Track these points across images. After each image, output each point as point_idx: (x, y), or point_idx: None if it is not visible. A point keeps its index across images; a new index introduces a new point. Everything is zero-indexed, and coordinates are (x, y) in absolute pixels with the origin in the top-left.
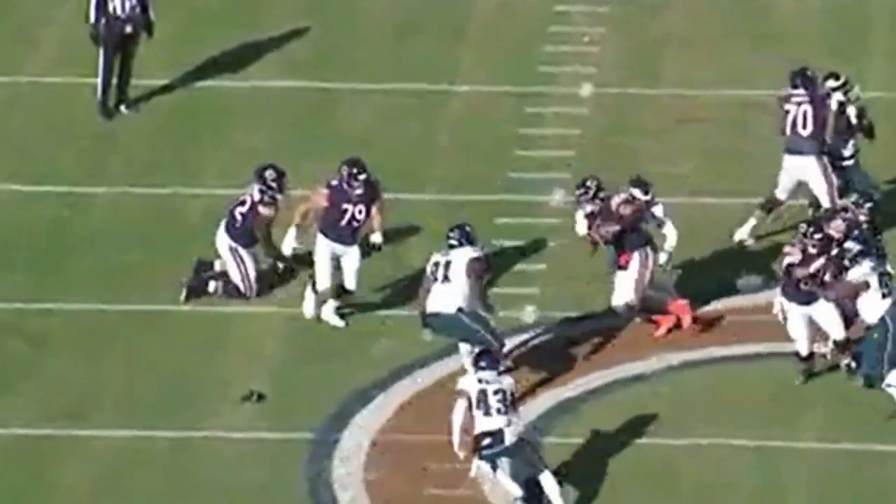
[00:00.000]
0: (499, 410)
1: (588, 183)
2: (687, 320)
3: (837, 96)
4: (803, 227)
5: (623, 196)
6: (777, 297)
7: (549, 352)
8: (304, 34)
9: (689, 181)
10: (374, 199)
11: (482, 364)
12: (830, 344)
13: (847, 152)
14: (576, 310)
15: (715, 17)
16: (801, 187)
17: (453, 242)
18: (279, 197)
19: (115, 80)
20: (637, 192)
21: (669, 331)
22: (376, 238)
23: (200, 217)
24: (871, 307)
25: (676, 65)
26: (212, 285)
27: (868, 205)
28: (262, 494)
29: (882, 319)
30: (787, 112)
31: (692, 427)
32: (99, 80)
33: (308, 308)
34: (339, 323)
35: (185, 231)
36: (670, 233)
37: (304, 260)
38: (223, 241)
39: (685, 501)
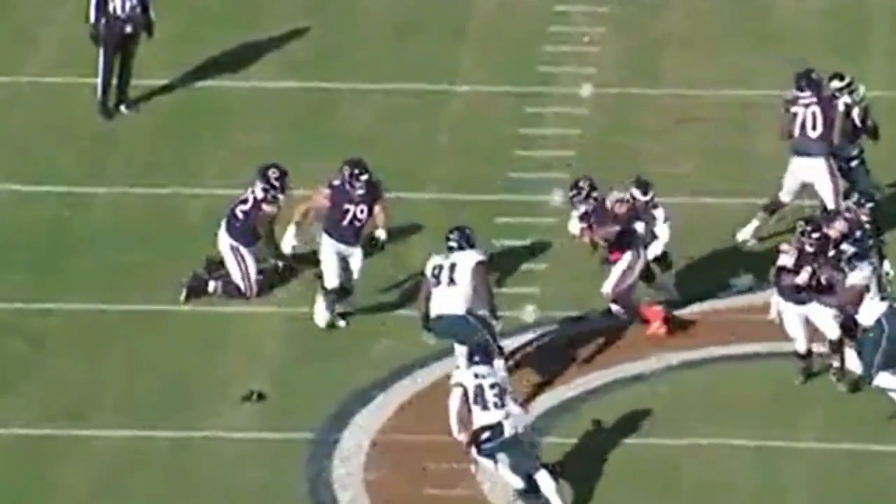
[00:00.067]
0: (496, 404)
1: (581, 183)
2: (655, 326)
3: (844, 98)
4: (801, 225)
5: (617, 195)
6: (773, 298)
7: (549, 352)
8: (304, 34)
9: (689, 181)
10: (375, 199)
11: (476, 358)
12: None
13: (852, 153)
14: (576, 310)
15: (715, 17)
16: (804, 189)
17: (453, 244)
18: (281, 196)
19: (115, 80)
20: (637, 193)
21: (668, 330)
22: (380, 234)
23: (200, 217)
24: (868, 309)
25: (676, 65)
26: (212, 285)
27: (869, 205)
28: (262, 494)
29: (878, 321)
30: (795, 114)
31: (692, 427)
32: (99, 81)
33: (320, 318)
34: (340, 323)
35: (185, 231)
36: (662, 234)
37: (305, 259)
38: (224, 240)
39: (685, 501)
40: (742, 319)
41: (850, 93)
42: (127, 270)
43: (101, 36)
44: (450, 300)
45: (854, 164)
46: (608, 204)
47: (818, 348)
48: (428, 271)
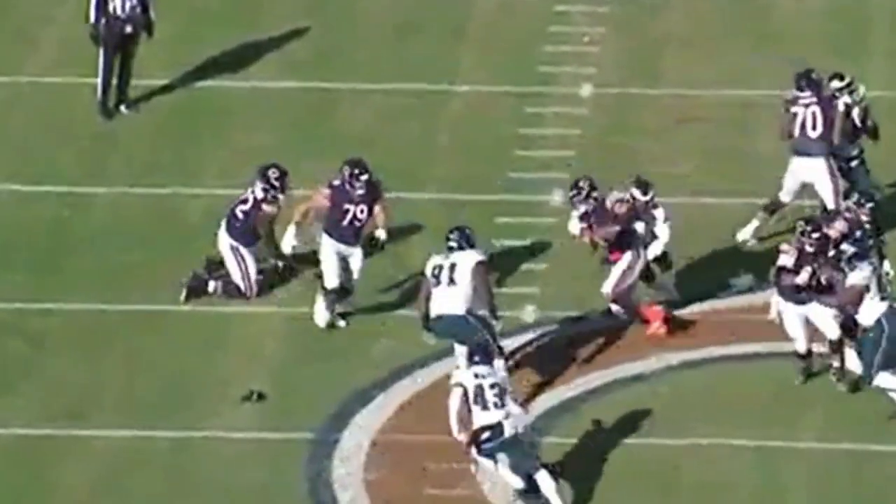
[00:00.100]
0: (496, 404)
1: (581, 183)
2: (655, 326)
3: (844, 98)
4: (801, 225)
5: (617, 195)
6: (773, 298)
7: (549, 352)
8: (304, 34)
9: (689, 181)
10: (375, 200)
11: (476, 358)
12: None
13: (852, 153)
14: (576, 310)
15: (715, 17)
16: (804, 189)
17: (453, 245)
18: (281, 196)
19: (115, 80)
20: (637, 193)
21: (668, 330)
22: (380, 233)
23: (200, 217)
24: (868, 309)
25: (676, 65)
26: (212, 285)
27: (869, 205)
28: (262, 494)
29: (878, 321)
30: (795, 114)
31: (692, 427)
32: (99, 81)
33: (320, 318)
34: (340, 323)
35: (185, 231)
36: (662, 234)
37: (306, 259)
38: (224, 240)
39: (685, 501)
40: (742, 319)
41: (850, 93)
42: (127, 270)
43: (101, 36)
44: (450, 300)
45: (854, 164)
46: (608, 204)
47: (818, 348)
48: (428, 271)
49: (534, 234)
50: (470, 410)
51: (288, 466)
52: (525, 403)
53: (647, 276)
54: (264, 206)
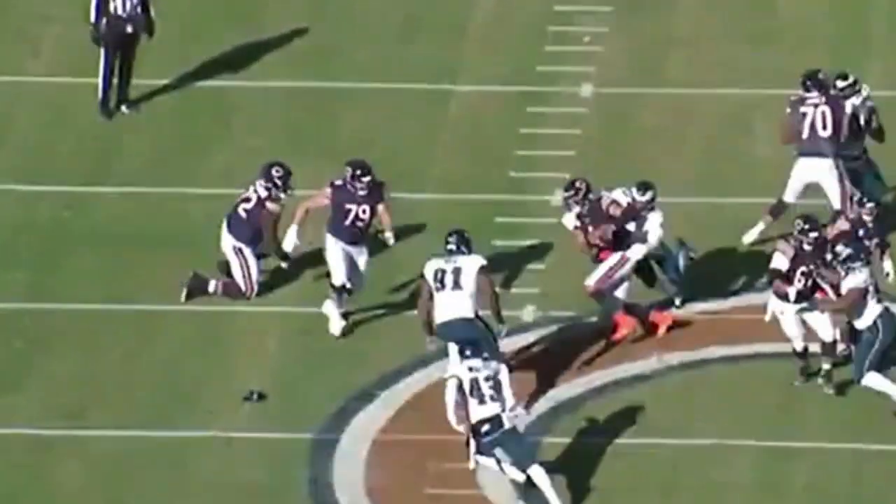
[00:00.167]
0: (492, 397)
1: (577, 184)
2: (662, 329)
3: (852, 99)
4: (799, 223)
5: (611, 196)
6: (770, 298)
7: (549, 352)
8: (304, 34)
9: (690, 181)
10: (378, 200)
11: (467, 353)
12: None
13: (854, 153)
14: (576, 310)
15: (716, 17)
16: (808, 190)
17: (453, 248)
18: (283, 196)
19: (115, 80)
20: (636, 193)
21: (669, 330)
22: (388, 237)
23: (201, 217)
24: (864, 312)
25: (677, 64)
26: (212, 285)
27: (870, 204)
28: (262, 494)
29: (874, 323)
30: (804, 115)
31: (692, 427)
32: (100, 80)
33: (335, 327)
34: (341, 323)
35: (185, 231)
36: (652, 238)
37: (306, 259)
38: (227, 240)
39: (685, 501)
40: (742, 319)
41: (856, 93)
42: (127, 270)
43: (102, 36)
44: (457, 304)
45: (857, 163)
46: (603, 205)
47: (812, 347)
48: (429, 275)
49: (534, 234)
50: (466, 402)
51: (288, 466)
52: (525, 403)
53: (648, 279)
54: (268, 205)
